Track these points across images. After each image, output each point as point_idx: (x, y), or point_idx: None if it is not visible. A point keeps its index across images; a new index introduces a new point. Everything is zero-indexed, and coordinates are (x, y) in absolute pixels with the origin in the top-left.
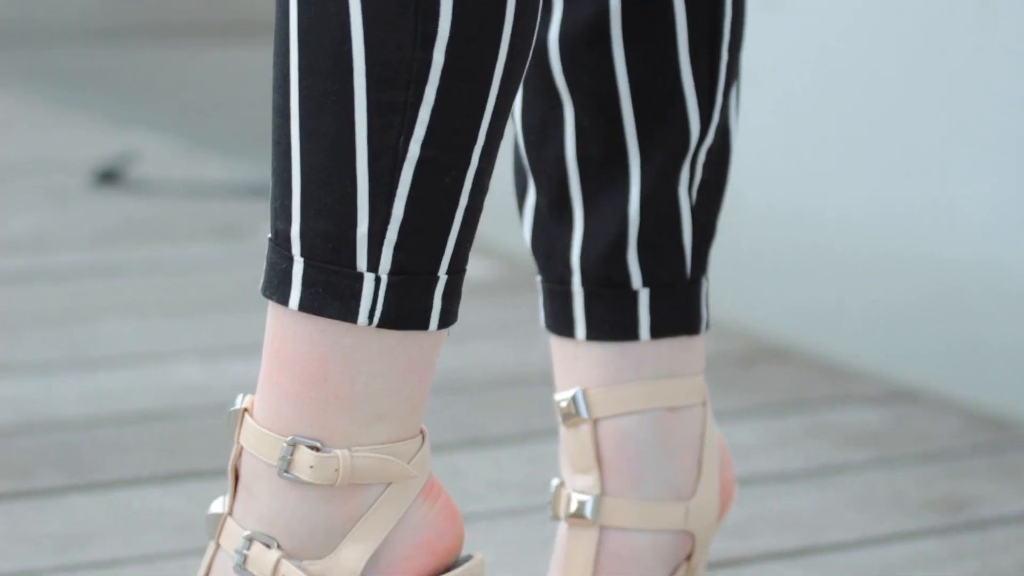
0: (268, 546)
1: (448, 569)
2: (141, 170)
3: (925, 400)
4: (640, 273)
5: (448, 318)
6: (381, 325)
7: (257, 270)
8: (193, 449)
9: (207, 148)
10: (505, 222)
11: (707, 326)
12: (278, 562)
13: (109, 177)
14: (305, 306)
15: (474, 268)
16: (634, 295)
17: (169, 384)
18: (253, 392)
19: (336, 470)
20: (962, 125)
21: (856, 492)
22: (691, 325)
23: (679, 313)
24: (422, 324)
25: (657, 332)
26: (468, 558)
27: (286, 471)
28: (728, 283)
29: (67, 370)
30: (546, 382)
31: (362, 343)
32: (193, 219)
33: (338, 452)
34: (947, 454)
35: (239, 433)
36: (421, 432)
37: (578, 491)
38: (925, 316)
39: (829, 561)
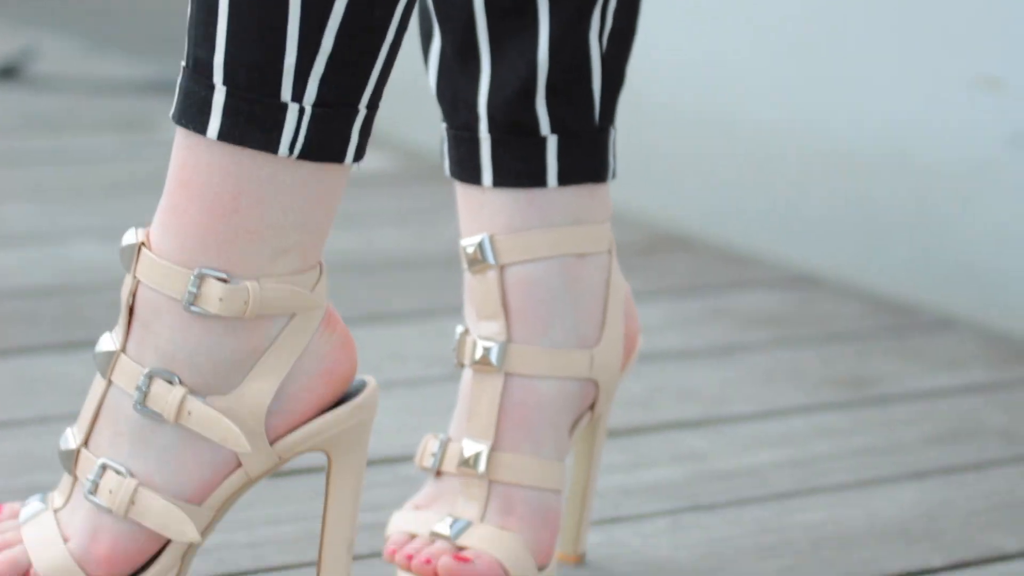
0: (170, 382)
1: (344, 396)
2: (41, 67)
3: (827, 285)
4: (548, 119)
5: (360, 153)
6: (301, 156)
7: (160, 162)
8: (92, 320)
9: (107, 47)
10: (405, 115)
11: (614, 175)
12: (184, 398)
13: (8, 73)
14: (225, 135)
15: (374, 160)
16: (542, 141)
17: (68, 262)
18: None
19: (245, 302)
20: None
21: (758, 369)
22: (599, 173)
23: (587, 160)
24: (339, 157)
25: (565, 179)
26: (362, 384)
27: (193, 305)
28: (628, 173)
29: None
30: (447, 265)
31: (278, 175)
32: (95, 113)
33: (247, 284)
34: (850, 335)
35: (135, 268)
36: (319, 263)
37: (484, 338)
38: (827, 203)
39: (731, 431)
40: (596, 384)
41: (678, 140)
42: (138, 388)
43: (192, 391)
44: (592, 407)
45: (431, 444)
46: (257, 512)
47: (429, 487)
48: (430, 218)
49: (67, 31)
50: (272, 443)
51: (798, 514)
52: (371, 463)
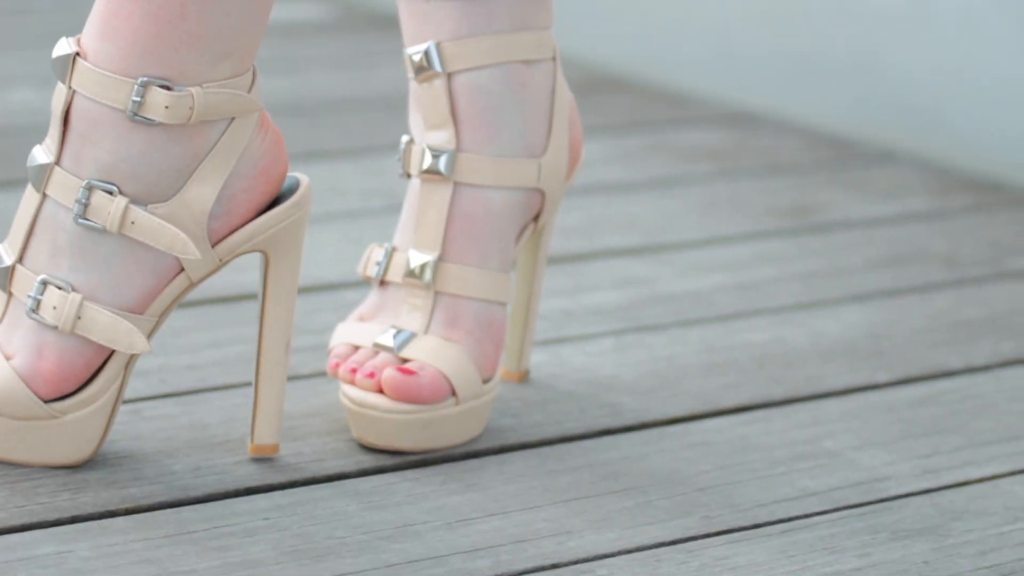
0: (111, 193)
1: (278, 196)
2: None
3: (767, 123)
4: None
5: None
6: None
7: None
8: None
9: None
10: None
11: None
12: (127, 208)
13: None
14: None
15: (309, 10)
16: None
17: (5, 106)
18: None
19: (190, 108)
20: None
21: (699, 200)
22: None
23: None
24: None
25: None
26: (295, 182)
27: (136, 114)
28: (565, 15)
29: None
30: (384, 106)
31: None
32: None
33: (191, 90)
34: (791, 168)
35: (70, 78)
36: (252, 66)
37: (432, 148)
38: (763, 38)
39: (674, 257)
40: (543, 194)
41: None
42: (77, 201)
43: (133, 200)
44: (536, 218)
45: (376, 253)
46: (199, 337)
47: (373, 297)
48: (365, 62)
49: None
50: (213, 246)
51: (742, 334)
52: (313, 289)
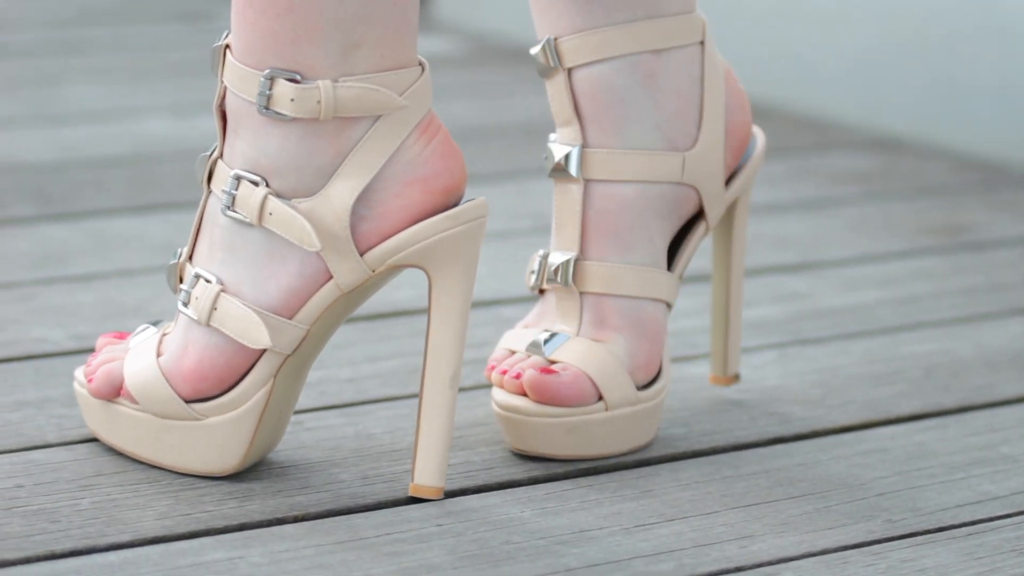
0: (256, 184)
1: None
2: None
3: (912, 147)
4: None
5: None
6: None
7: None
8: (165, 185)
9: None
10: (468, 1)
11: None
12: (264, 199)
13: None
14: None
15: (442, 44)
16: None
17: (139, 134)
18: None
19: (318, 102)
20: None
21: (850, 220)
22: None
23: None
24: None
25: None
26: (471, 201)
27: (266, 107)
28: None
29: (35, 124)
30: (524, 133)
31: None
32: (150, 6)
33: (319, 83)
34: (940, 190)
35: (222, 71)
36: (421, 64)
37: (562, 144)
38: (908, 62)
39: (830, 274)
40: (696, 189)
41: (751, 8)
42: (225, 191)
43: (277, 194)
44: (701, 215)
45: (532, 262)
46: (358, 351)
47: (536, 305)
48: (502, 92)
49: None
50: (363, 254)
51: (907, 346)
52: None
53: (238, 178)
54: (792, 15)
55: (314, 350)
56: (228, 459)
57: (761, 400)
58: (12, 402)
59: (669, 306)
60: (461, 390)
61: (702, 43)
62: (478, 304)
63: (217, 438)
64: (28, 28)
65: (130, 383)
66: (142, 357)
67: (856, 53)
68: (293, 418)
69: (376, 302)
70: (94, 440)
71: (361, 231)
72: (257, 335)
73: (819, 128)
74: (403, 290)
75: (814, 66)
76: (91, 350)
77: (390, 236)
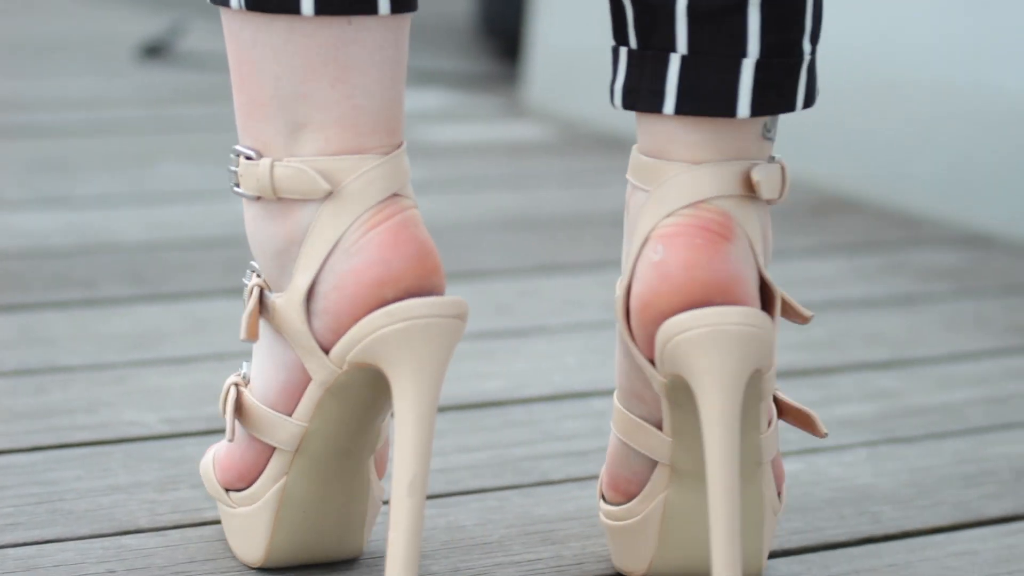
0: (258, 275)
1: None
2: (188, 44)
3: (1002, 243)
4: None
5: (328, 5)
6: (249, 7)
7: None
8: None
9: None
10: (559, 88)
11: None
12: (252, 288)
13: (156, 51)
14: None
15: (534, 130)
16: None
17: (231, 216)
18: None
19: (258, 180)
20: None
21: (942, 317)
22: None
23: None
24: (292, 6)
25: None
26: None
27: (236, 185)
28: (794, 136)
29: (129, 203)
30: (615, 222)
31: (256, 36)
32: None
33: (261, 161)
34: None
35: None
36: (395, 148)
37: None
38: (1000, 160)
39: (922, 371)
40: None
41: (843, 101)
42: (244, 280)
43: (266, 284)
44: None
45: None
46: (449, 441)
47: None
48: (593, 180)
49: (212, 10)
50: (327, 351)
51: (997, 447)
52: (559, 397)
53: (251, 270)
54: (886, 109)
55: (333, 450)
56: (252, 552)
57: (851, 498)
58: (104, 486)
59: None
60: (549, 483)
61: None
62: (566, 396)
63: (243, 528)
64: (125, 106)
65: (200, 470)
66: (212, 450)
67: (949, 149)
68: (384, 508)
69: (467, 392)
70: (187, 526)
71: (317, 328)
72: (260, 429)
73: (910, 223)
74: (494, 381)
75: (907, 161)
76: (184, 434)
77: (343, 332)
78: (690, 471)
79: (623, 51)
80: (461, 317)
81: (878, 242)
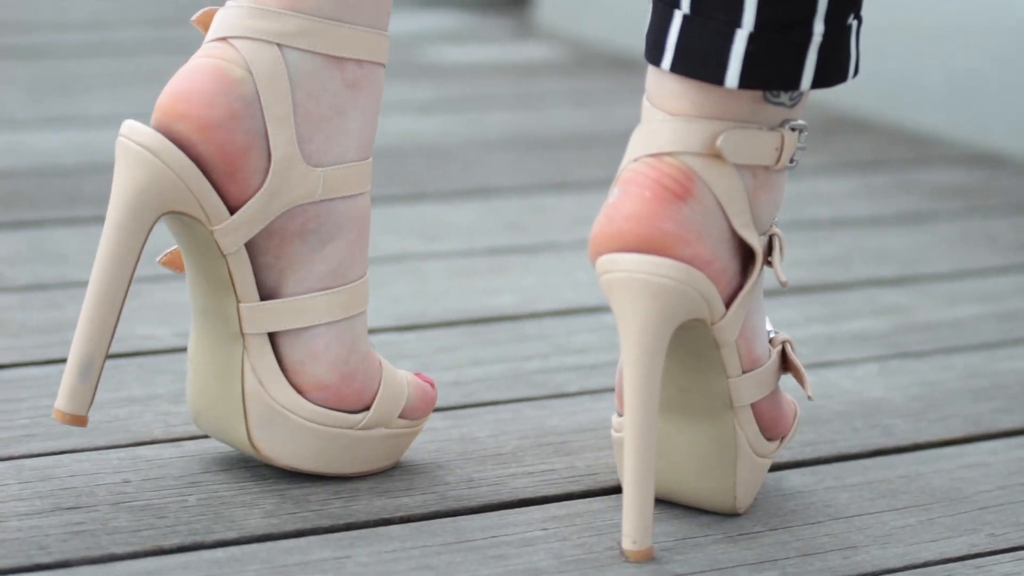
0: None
1: None
2: None
3: (1012, 163)
4: None
5: None
6: None
7: None
8: None
9: None
10: (569, 9)
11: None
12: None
13: None
14: None
15: (543, 52)
16: None
17: None
18: None
19: None
20: None
21: (950, 234)
22: None
23: None
24: None
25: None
26: None
27: None
28: None
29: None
30: (624, 142)
31: None
32: None
33: None
34: None
35: None
36: None
37: None
38: (1011, 79)
39: (930, 289)
40: None
41: None
42: None
43: None
44: None
45: None
46: (462, 355)
47: None
48: (604, 99)
49: None
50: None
51: (1007, 362)
52: (572, 312)
53: None
54: (893, 30)
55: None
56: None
57: (863, 412)
58: (119, 398)
59: None
60: (564, 395)
61: None
62: (578, 310)
63: None
64: (128, 27)
65: None
66: None
67: (957, 68)
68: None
69: (478, 307)
70: (201, 437)
71: None
72: None
73: (919, 142)
74: (505, 296)
75: (915, 80)
76: None
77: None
78: (663, 399)
79: None
80: None
81: (887, 161)
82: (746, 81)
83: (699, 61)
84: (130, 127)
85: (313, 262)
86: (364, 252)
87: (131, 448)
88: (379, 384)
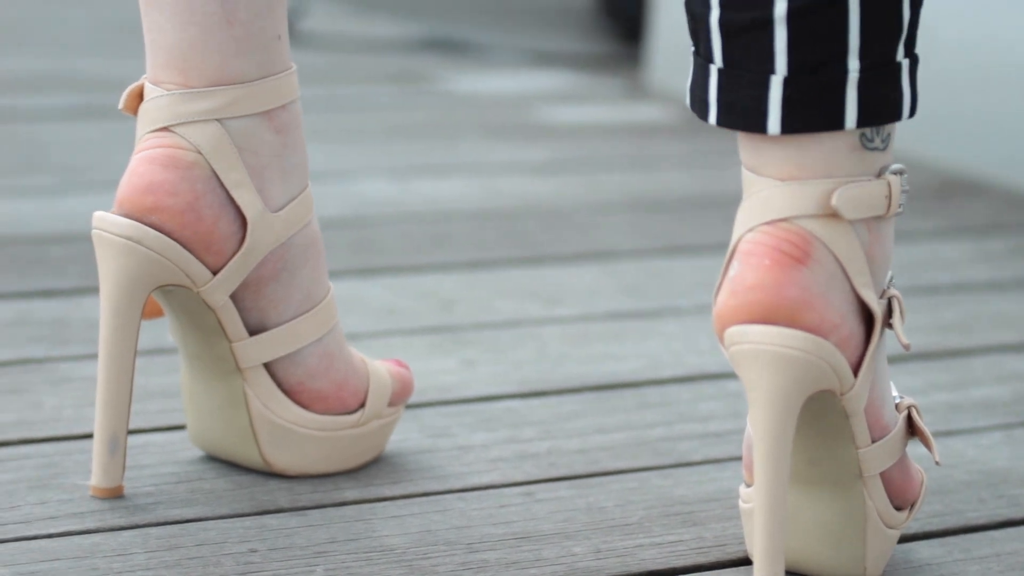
0: None
1: None
2: (309, 26)
3: None
4: None
5: None
6: None
7: (433, 110)
8: (387, 249)
9: (374, 9)
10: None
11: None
12: None
13: None
14: None
15: (655, 113)
16: None
17: (359, 196)
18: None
19: None
20: None
21: None
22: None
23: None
24: None
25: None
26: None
27: None
28: (919, 118)
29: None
30: (737, 205)
31: None
32: (365, 68)
33: None
34: None
35: None
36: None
37: None
38: None
39: None
40: None
41: (965, 84)
42: None
43: None
44: None
45: None
46: (587, 422)
47: None
48: (716, 162)
49: None
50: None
51: None
52: (696, 379)
53: None
54: (1010, 92)
55: (190, 353)
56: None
57: (989, 481)
58: (241, 466)
59: None
60: (689, 464)
61: None
62: (701, 377)
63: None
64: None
65: None
66: None
67: None
68: (524, 488)
69: (601, 374)
70: (328, 506)
71: None
72: None
73: None
74: (628, 362)
75: None
76: None
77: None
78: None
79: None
80: None
81: (1004, 224)
82: (788, 126)
83: (740, 113)
84: (102, 219)
85: (289, 294)
86: (325, 269)
87: (256, 517)
88: (368, 381)
